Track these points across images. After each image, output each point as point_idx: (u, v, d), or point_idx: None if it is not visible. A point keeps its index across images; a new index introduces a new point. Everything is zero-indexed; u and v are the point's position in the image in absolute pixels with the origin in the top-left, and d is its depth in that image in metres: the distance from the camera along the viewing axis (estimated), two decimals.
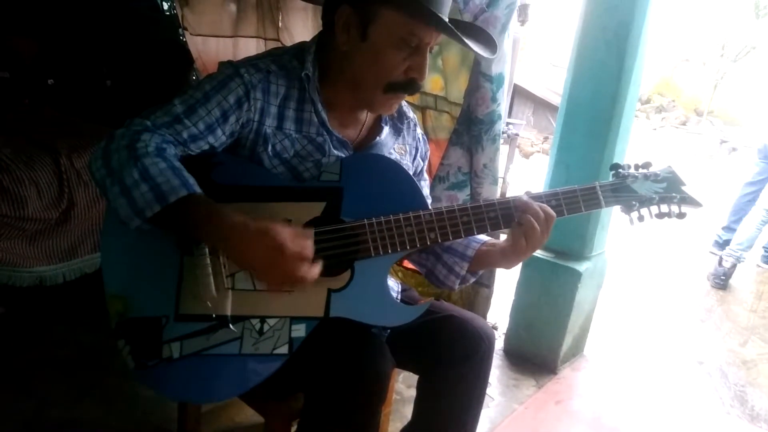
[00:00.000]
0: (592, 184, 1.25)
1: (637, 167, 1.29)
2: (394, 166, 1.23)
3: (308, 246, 1.01)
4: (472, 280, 1.38)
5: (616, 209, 1.31)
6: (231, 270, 1.10)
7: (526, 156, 11.11)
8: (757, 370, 2.97)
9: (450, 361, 1.30)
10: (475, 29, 1.26)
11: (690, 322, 3.58)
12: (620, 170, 1.28)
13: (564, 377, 2.54)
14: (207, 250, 1.06)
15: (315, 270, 1.02)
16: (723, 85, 24.73)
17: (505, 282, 2.82)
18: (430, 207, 1.21)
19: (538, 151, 11.49)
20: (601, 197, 1.25)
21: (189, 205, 1.00)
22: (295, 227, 1.04)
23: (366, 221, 1.14)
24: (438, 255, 1.37)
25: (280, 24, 3.73)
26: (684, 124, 21.73)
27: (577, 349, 2.71)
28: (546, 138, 12.24)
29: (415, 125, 1.43)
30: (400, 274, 2.66)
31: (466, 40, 1.16)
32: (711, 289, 4.24)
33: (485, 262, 1.33)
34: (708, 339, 3.33)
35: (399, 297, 1.42)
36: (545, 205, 1.20)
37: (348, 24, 1.13)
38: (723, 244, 4.63)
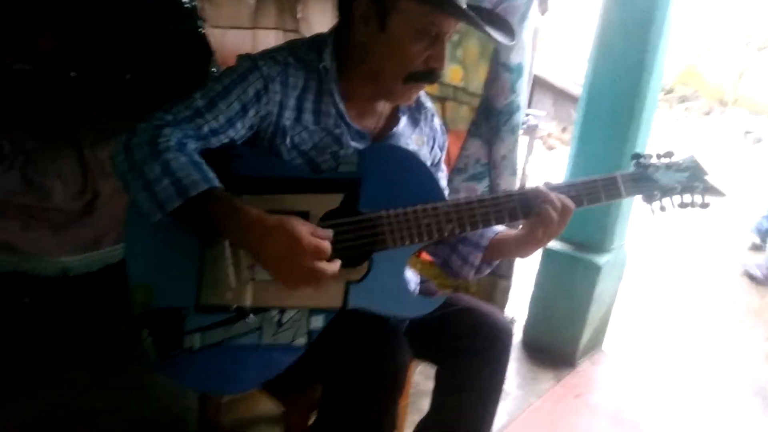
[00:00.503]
0: (612, 174, 1.24)
1: (658, 156, 1.27)
2: (412, 157, 1.22)
3: (326, 241, 1.01)
4: (488, 270, 1.38)
5: (638, 200, 1.30)
6: (251, 260, 1.10)
7: (549, 149, 10.96)
8: None
9: (468, 354, 1.30)
10: (493, 16, 1.25)
11: (711, 315, 3.52)
12: (641, 159, 1.27)
13: (583, 371, 2.52)
14: (227, 241, 1.07)
15: (333, 266, 1.02)
16: (748, 74, 24.17)
17: (524, 274, 2.80)
18: (447, 198, 1.21)
19: (555, 144, 11.32)
20: (622, 187, 1.24)
21: (209, 199, 1.00)
22: (313, 224, 1.03)
23: (384, 213, 1.14)
24: (453, 245, 1.36)
25: (299, 15, 3.72)
26: (708, 114, 21.32)
27: (596, 343, 2.69)
28: (564, 128, 12.09)
29: (432, 115, 1.42)
30: (418, 265, 2.65)
31: (486, 27, 1.15)
32: (733, 281, 4.17)
33: (500, 252, 1.33)
34: (730, 333, 3.28)
35: (417, 289, 1.42)
36: (564, 196, 1.19)
37: (366, 16, 1.13)
38: (766, 232, 4.73)
